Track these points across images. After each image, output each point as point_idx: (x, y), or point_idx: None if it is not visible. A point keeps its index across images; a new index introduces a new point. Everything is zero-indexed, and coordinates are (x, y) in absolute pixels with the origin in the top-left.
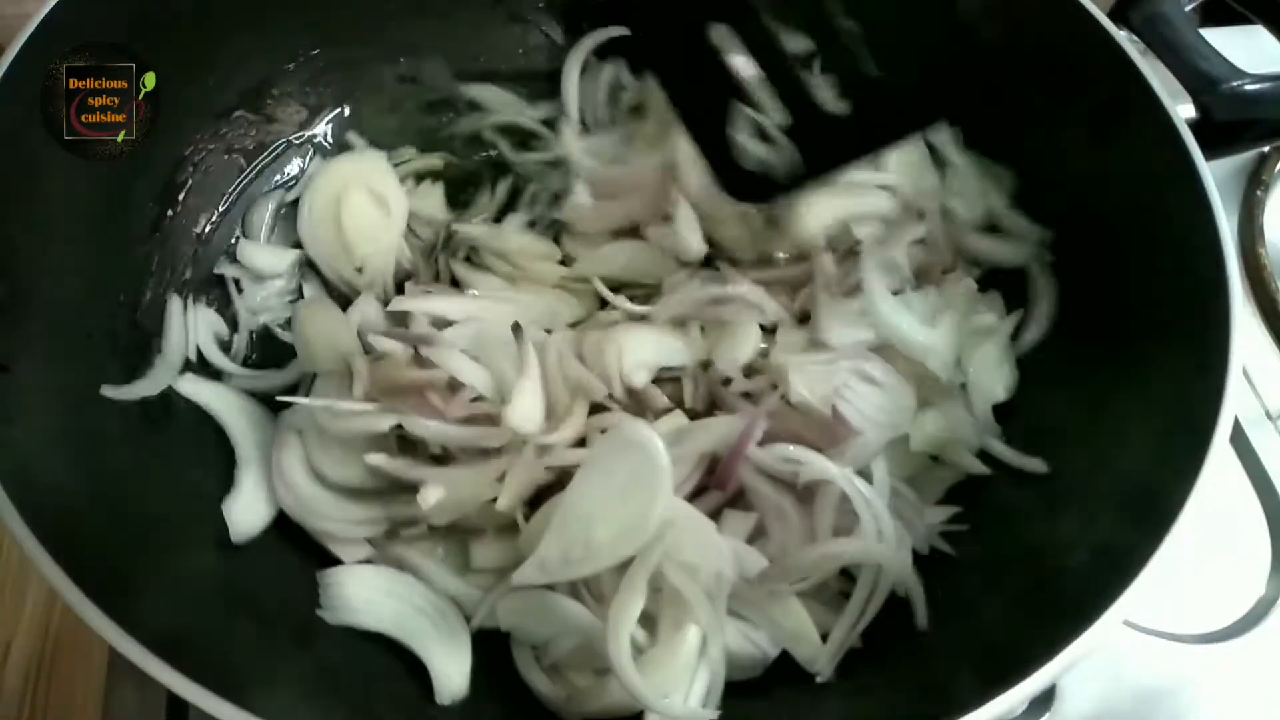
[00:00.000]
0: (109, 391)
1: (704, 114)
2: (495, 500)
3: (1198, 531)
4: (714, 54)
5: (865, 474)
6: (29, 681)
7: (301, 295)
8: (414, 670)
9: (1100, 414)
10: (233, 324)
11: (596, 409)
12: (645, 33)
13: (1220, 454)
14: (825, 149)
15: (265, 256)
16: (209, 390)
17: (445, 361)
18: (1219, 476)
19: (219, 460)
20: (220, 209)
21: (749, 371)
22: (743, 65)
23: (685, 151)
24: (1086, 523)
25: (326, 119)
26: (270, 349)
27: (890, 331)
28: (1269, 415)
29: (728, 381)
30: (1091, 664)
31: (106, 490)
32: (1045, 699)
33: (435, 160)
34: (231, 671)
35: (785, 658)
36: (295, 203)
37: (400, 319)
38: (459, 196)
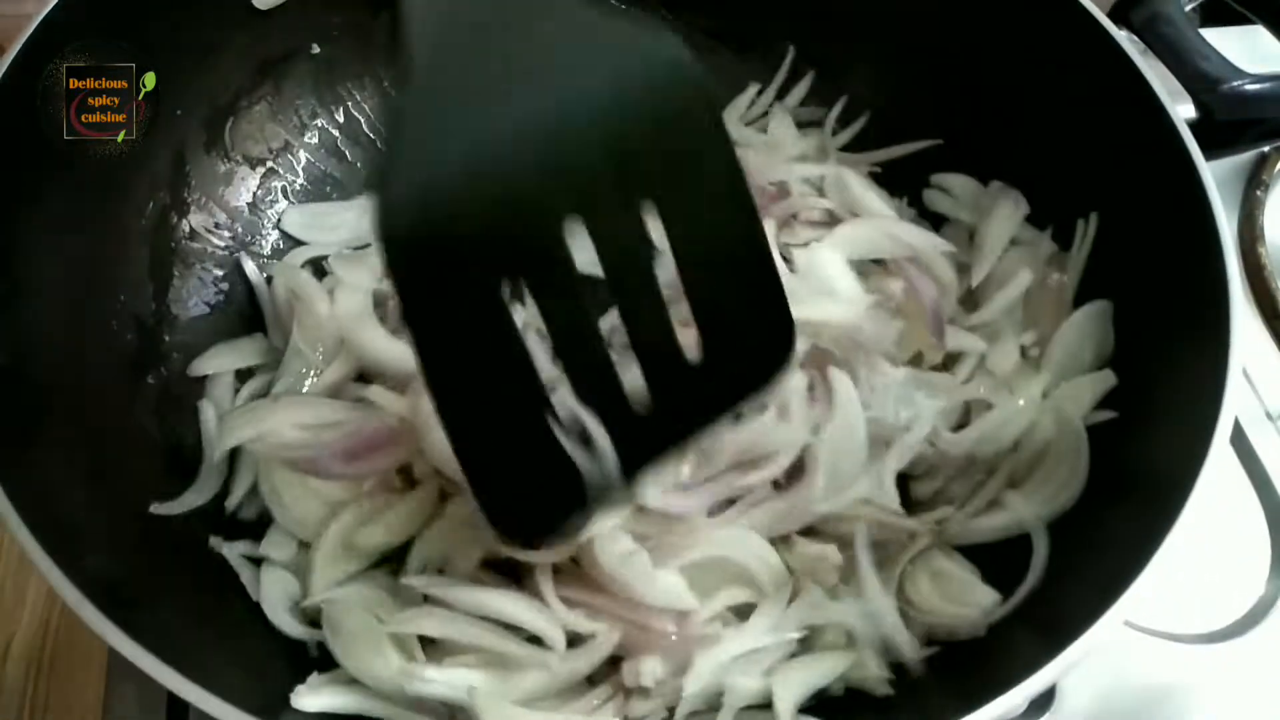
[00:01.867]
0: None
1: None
2: None
3: (1198, 531)
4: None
5: None
6: (29, 679)
7: None
8: None
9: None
10: None
11: None
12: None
13: (1220, 454)
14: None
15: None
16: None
17: None
18: (1219, 476)
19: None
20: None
21: None
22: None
23: None
24: (1085, 522)
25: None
26: None
27: None
28: (1269, 415)
29: None
30: (1091, 664)
31: (109, 492)
32: (1045, 699)
33: None
34: (232, 674)
35: None
36: None
37: None
38: None
